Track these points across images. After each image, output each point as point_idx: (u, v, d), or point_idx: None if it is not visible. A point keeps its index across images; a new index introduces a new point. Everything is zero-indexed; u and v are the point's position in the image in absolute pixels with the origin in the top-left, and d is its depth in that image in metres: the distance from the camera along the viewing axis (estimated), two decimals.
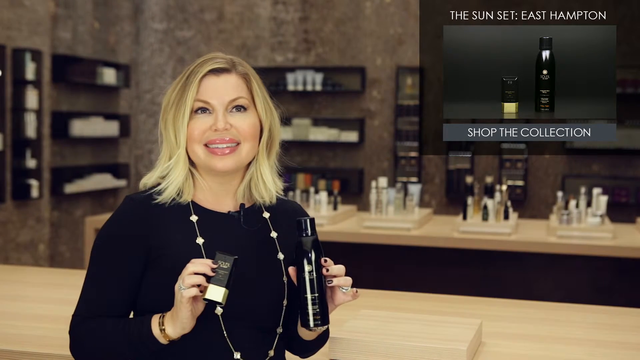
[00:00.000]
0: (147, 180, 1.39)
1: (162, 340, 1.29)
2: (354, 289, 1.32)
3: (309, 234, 1.29)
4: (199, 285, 1.24)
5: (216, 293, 1.22)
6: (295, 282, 1.31)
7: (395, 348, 1.60)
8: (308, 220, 1.29)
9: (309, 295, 1.27)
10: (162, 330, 1.28)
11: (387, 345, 1.60)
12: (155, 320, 1.29)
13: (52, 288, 2.47)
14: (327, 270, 1.29)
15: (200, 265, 1.24)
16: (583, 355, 1.81)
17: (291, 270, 1.31)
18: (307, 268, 1.27)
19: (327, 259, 1.29)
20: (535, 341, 1.91)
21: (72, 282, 2.49)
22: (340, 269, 1.31)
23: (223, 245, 1.34)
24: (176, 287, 1.25)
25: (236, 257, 1.24)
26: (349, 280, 1.31)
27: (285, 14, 6.68)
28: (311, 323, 1.28)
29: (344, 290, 1.31)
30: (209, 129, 1.34)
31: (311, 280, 1.27)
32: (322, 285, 1.28)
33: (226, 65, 1.36)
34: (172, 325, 1.27)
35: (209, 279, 1.23)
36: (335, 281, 1.30)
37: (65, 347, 1.41)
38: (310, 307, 1.27)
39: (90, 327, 1.32)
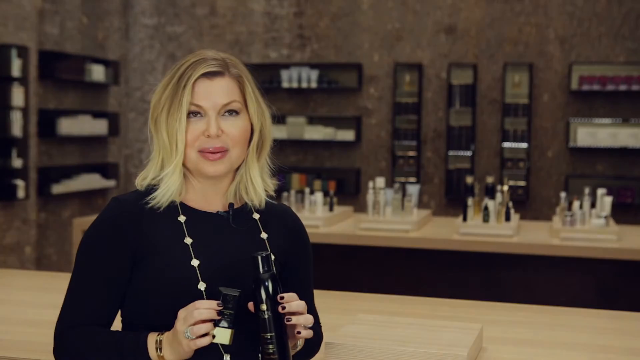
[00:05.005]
0: (141, 186, 1.38)
1: None
2: (311, 331, 1.31)
3: (266, 270, 1.26)
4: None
5: (223, 336, 1.24)
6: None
7: (393, 354, 1.57)
8: (263, 257, 1.26)
9: (266, 335, 1.26)
10: (160, 354, 1.28)
11: (384, 350, 1.58)
12: (152, 341, 1.29)
13: (38, 292, 2.48)
14: (284, 308, 1.26)
15: (206, 312, 1.24)
16: None
17: (250, 305, 1.28)
18: (262, 307, 1.26)
19: (284, 295, 1.27)
20: (537, 346, 1.89)
21: (59, 285, 2.52)
22: (299, 305, 1.28)
23: (211, 245, 1.34)
24: (179, 329, 1.24)
25: (240, 290, 1.25)
26: (309, 318, 1.29)
27: (279, 8, 6.61)
28: None
29: (302, 329, 1.29)
30: (202, 134, 1.34)
31: (266, 320, 1.26)
32: (280, 324, 1.27)
33: (220, 69, 1.36)
34: (171, 352, 1.27)
35: (215, 321, 1.25)
36: (294, 319, 1.28)
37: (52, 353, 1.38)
38: (266, 346, 1.26)
39: (78, 337, 1.31)
